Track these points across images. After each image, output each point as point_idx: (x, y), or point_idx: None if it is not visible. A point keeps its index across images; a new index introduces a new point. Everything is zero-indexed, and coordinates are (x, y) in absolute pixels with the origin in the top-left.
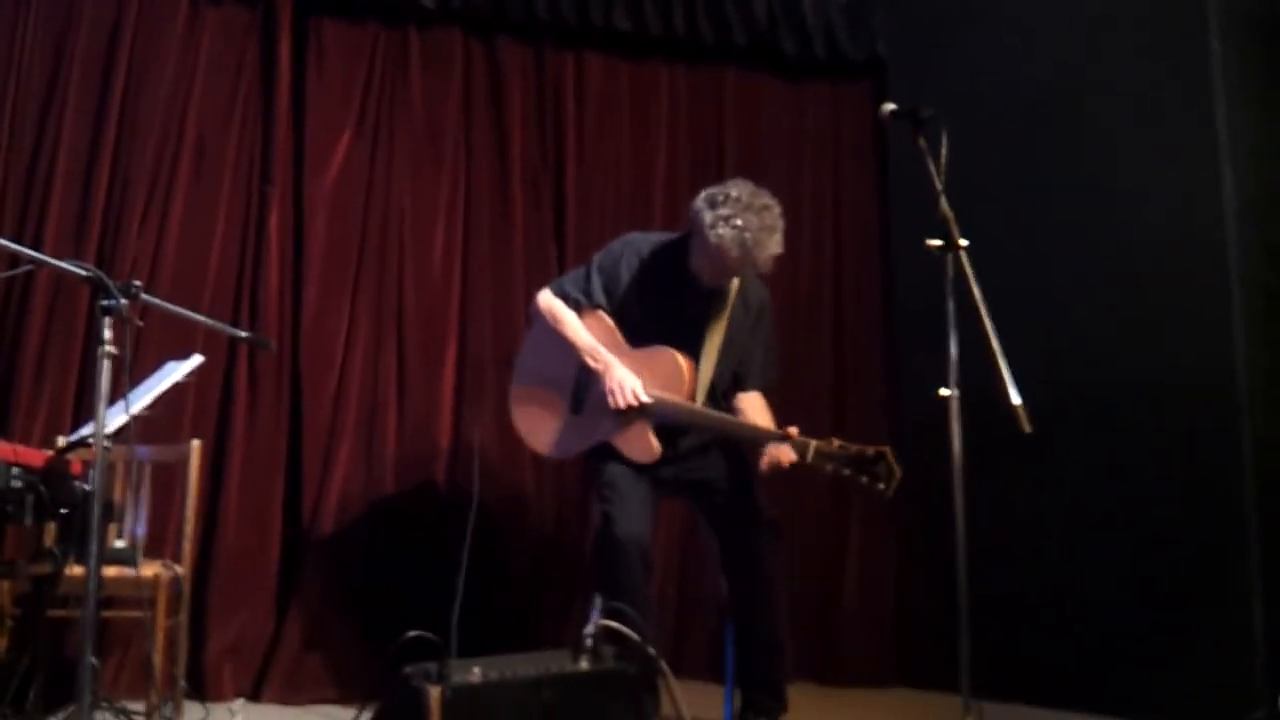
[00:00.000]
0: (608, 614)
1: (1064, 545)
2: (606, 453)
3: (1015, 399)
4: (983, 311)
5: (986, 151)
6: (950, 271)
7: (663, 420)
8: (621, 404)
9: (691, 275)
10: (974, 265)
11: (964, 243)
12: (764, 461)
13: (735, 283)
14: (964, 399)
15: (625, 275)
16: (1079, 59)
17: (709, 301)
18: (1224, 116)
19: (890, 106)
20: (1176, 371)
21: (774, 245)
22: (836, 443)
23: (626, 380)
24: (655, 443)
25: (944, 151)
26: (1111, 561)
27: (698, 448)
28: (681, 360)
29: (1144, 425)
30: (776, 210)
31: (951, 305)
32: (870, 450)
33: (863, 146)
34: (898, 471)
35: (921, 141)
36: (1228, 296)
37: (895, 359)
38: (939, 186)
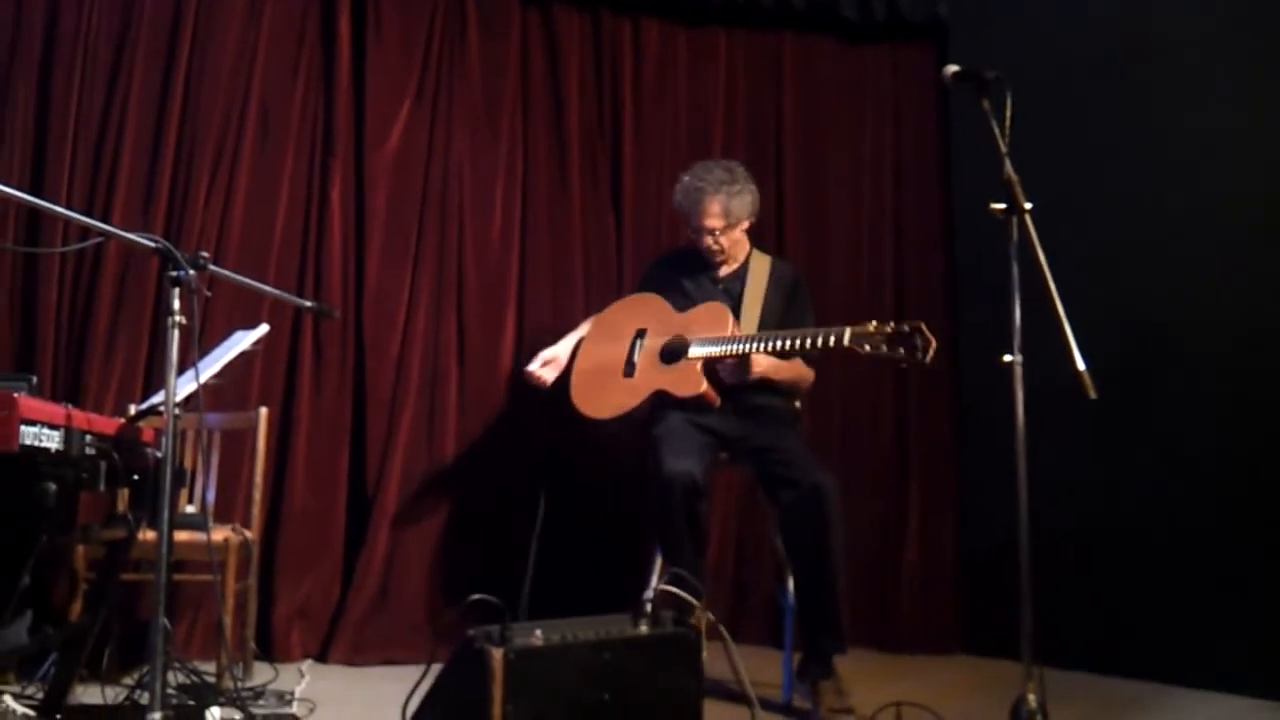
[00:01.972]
0: (668, 579)
1: (1128, 512)
2: (664, 405)
3: (1080, 365)
4: (1047, 276)
5: (1050, 114)
6: (1014, 235)
7: (708, 354)
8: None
9: (712, 267)
10: (1038, 229)
11: (1028, 206)
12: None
13: (765, 264)
14: (1027, 364)
15: (661, 271)
16: (1143, 19)
17: (740, 283)
18: None
19: (953, 68)
20: (1244, 335)
21: (722, 195)
22: (872, 325)
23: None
24: (702, 378)
25: (1008, 114)
26: (1177, 528)
27: (753, 410)
28: (724, 310)
29: (1211, 391)
30: (734, 171)
31: (1015, 270)
32: (905, 326)
33: (924, 111)
34: (933, 341)
35: (986, 104)
36: None
37: (958, 324)
38: (1004, 149)
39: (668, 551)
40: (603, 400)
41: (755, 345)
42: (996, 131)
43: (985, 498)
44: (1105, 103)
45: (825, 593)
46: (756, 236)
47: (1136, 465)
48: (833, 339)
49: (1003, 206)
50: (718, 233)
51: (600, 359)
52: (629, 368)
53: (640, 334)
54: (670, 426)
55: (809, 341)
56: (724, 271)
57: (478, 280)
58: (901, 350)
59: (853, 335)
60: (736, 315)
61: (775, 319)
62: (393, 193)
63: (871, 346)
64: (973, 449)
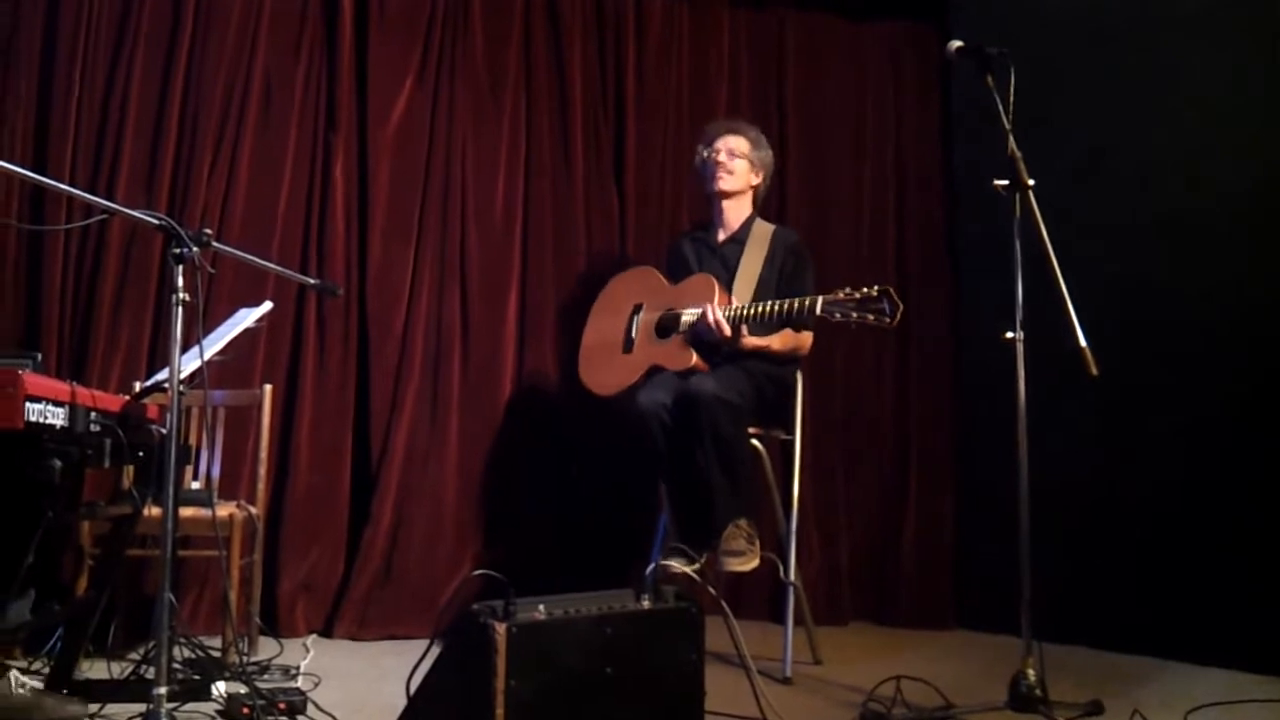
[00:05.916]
0: (669, 554)
1: (1127, 487)
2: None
3: (1082, 340)
4: (1050, 252)
5: (1052, 91)
6: (1017, 211)
7: (696, 331)
8: None
9: (716, 232)
10: (1041, 204)
11: (1031, 183)
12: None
13: (767, 232)
14: (1029, 339)
15: (676, 245)
16: None
17: (739, 248)
18: None
19: (957, 44)
20: (1251, 312)
21: (745, 138)
22: (841, 292)
23: None
24: (692, 352)
25: (1012, 90)
26: (1176, 504)
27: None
28: (711, 279)
29: (1214, 368)
30: (763, 138)
31: (1018, 246)
32: (874, 290)
33: (926, 87)
34: (900, 305)
35: (989, 80)
36: None
37: (959, 301)
38: (1007, 126)
39: (669, 489)
40: (606, 378)
41: (731, 314)
42: (1000, 107)
43: (984, 473)
44: (1109, 78)
45: (702, 504)
46: (760, 212)
47: (1136, 441)
48: (805, 307)
49: (1005, 183)
50: (724, 155)
51: (604, 334)
52: (628, 343)
53: (637, 308)
54: (654, 377)
55: (781, 309)
56: (722, 237)
57: (480, 256)
58: (870, 317)
59: (824, 304)
60: (731, 281)
61: (772, 282)
62: (395, 169)
63: (841, 314)
64: (972, 423)
